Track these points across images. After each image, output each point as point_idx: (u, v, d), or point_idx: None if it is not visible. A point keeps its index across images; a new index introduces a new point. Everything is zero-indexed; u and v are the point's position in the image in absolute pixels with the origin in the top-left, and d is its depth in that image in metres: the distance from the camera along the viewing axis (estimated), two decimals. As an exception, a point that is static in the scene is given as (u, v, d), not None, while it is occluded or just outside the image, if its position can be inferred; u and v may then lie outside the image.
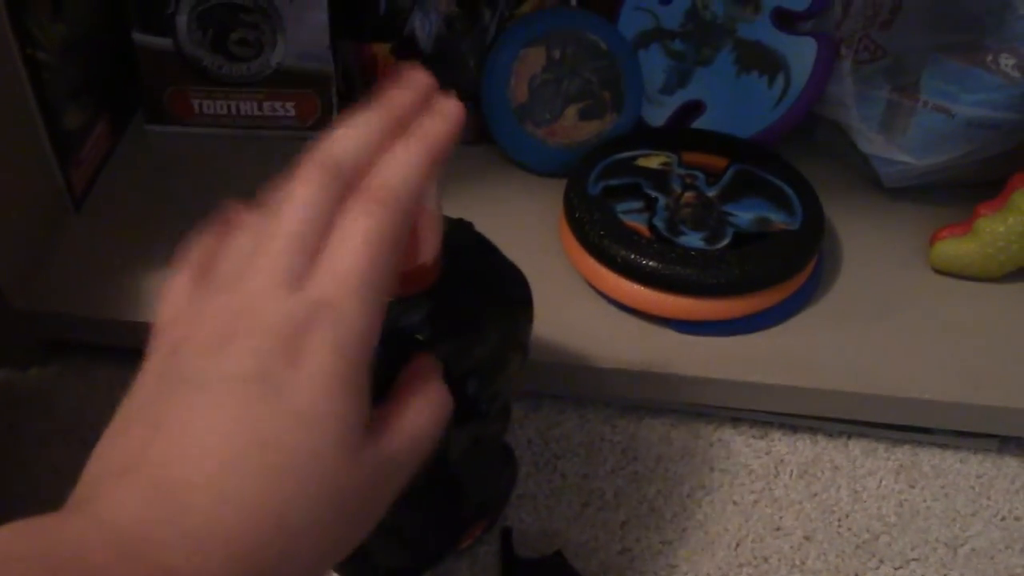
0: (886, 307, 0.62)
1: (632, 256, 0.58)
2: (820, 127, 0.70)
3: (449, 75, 0.67)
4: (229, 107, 0.69)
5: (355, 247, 0.29)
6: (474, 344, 0.40)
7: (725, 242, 0.58)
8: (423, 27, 0.66)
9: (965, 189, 0.66)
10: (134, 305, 0.59)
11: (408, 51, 0.67)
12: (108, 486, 0.26)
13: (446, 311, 0.39)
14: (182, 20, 0.65)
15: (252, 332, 0.28)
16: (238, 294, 0.29)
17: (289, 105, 0.69)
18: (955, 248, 0.62)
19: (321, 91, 0.68)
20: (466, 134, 0.69)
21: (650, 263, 0.57)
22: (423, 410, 0.32)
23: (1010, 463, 0.59)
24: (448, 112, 0.32)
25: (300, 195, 0.29)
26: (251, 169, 0.68)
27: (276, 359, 0.27)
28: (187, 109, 0.69)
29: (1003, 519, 0.56)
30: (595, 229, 0.59)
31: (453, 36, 0.66)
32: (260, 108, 0.69)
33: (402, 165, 0.30)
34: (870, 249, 0.65)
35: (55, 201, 0.63)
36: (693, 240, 0.59)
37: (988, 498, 0.57)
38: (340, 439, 0.27)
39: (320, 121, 0.69)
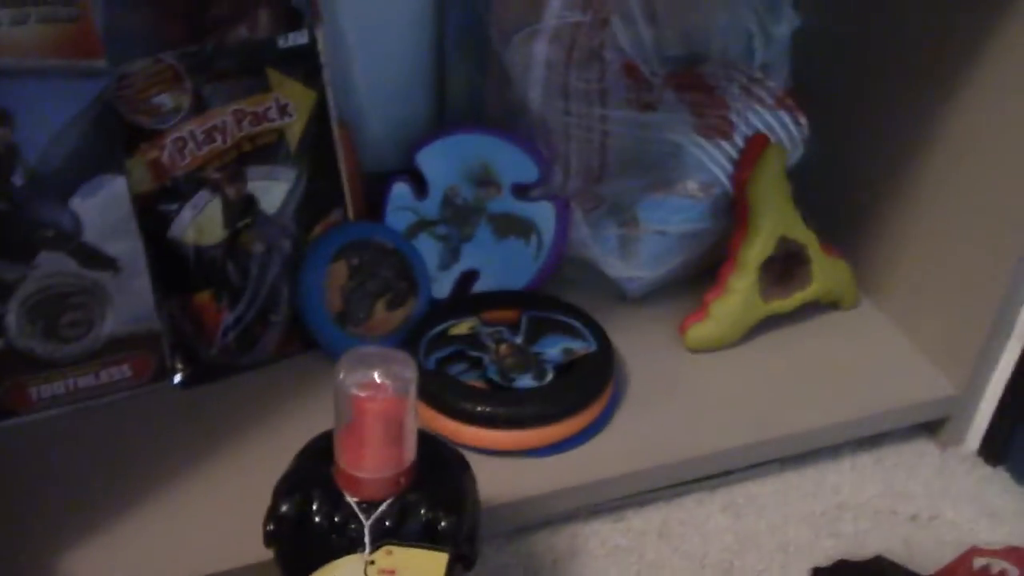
0: (667, 387, 0.78)
1: (482, 408, 0.70)
2: (567, 266, 0.87)
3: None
4: (67, 385, 0.71)
5: None
6: (464, 511, 0.50)
7: (550, 376, 0.72)
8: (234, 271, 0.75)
9: (694, 283, 0.84)
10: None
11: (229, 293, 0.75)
12: None
13: (439, 495, 0.49)
14: (11, 319, 0.68)
15: None
16: None
17: (125, 367, 0.73)
18: (701, 331, 0.81)
19: (152, 348, 0.73)
20: (294, 347, 0.78)
21: (500, 409, 0.70)
22: None
23: (790, 477, 0.77)
24: None
25: None
26: (94, 440, 0.71)
27: None
28: (24, 399, 0.71)
29: (806, 518, 0.74)
30: (443, 395, 0.71)
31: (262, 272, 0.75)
32: (97, 378, 0.72)
33: None
34: (639, 348, 0.82)
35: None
36: (525, 381, 0.72)
37: (789, 507, 0.75)
38: None
39: (156, 374, 0.75)
